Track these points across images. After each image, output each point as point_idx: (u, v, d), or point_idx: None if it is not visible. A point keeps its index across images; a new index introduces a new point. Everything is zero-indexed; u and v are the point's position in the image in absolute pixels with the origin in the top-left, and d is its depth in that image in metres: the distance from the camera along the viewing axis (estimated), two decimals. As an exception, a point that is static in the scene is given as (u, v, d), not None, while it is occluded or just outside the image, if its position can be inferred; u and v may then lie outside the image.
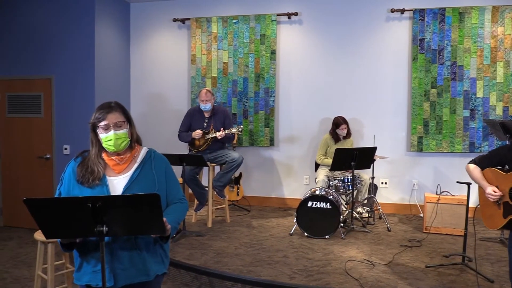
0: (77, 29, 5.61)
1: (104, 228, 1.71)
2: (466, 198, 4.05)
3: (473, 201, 5.66)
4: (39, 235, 3.21)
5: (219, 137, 5.22)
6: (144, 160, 2.09)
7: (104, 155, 2.05)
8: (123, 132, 2.03)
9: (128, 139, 2.06)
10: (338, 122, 5.63)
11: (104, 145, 2.02)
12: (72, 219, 1.73)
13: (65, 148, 5.56)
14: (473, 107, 5.72)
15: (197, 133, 5.31)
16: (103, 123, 1.99)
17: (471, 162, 3.26)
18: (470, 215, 4.28)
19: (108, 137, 1.99)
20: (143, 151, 2.13)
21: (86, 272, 1.96)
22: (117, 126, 2.01)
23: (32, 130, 5.65)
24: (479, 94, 5.69)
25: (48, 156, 5.60)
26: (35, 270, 3.40)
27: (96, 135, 2.04)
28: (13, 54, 5.73)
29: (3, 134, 5.74)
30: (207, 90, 5.38)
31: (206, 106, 5.34)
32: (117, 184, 2.00)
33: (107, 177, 2.01)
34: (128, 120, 2.08)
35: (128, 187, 1.99)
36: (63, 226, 1.75)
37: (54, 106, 5.60)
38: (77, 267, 2.00)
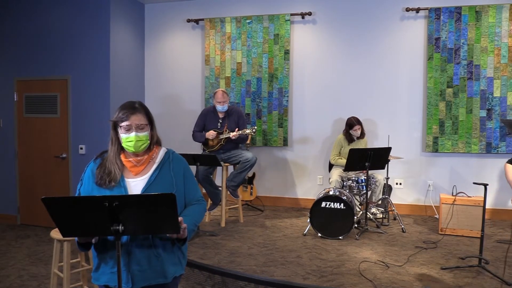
0: (92, 30, 5.68)
1: (120, 227, 1.72)
2: (482, 199, 3.98)
3: (490, 203, 5.59)
4: (55, 234, 3.24)
5: (233, 137, 5.23)
6: (162, 162, 2.08)
7: (122, 156, 2.05)
8: (144, 134, 2.02)
9: (148, 142, 2.06)
10: (352, 123, 5.59)
11: (124, 145, 2.02)
12: (89, 218, 1.74)
13: (81, 148, 5.63)
14: (490, 107, 5.63)
15: (211, 133, 5.33)
16: (125, 123, 1.99)
17: (510, 161, 2.89)
18: (487, 216, 4.22)
19: (129, 138, 1.99)
20: (161, 152, 2.12)
21: (104, 272, 1.97)
22: (139, 128, 2.00)
23: (48, 130, 5.73)
24: (496, 93, 5.60)
25: (64, 155, 5.67)
26: (51, 268, 3.45)
27: (116, 133, 2.04)
28: (30, 55, 5.81)
29: (21, 134, 5.83)
30: (223, 91, 5.40)
31: (223, 108, 5.36)
32: (135, 186, 2.00)
33: (125, 179, 2.01)
34: (150, 122, 2.08)
35: (145, 189, 1.99)
36: (80, 225, 1.77)
37: (70, 106, 5.67)
38: (95, 267, 2.01)
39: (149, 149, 2.09)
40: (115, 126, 2.03)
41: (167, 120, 6.77)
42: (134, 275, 1.92)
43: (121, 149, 2.06)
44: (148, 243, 1.93)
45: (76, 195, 2.04)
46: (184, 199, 2.09)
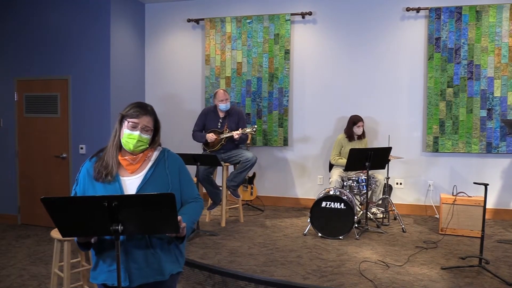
0: (93, 30, 5.68)
1: (120, 227, 1.73)
2: (483, 199, 3.98)
3: (490, 202, 5.59)
4: (55, 233, 3.25)
5: (236, 136, 5.22)
6: (157, 160, 2.09)
7: (118, 155, 2.06)
8: (146, 137, 2.04)
9: (147, 146, 2.07)
10: (356, 119, 5.60)
11: (123, 140, 2.03)
12: (88, 218, 1.74)
13: (81, 148, 5.63)
14: (490, 107, 5.63)
15: (211, 137, 5.30)
16: (134, 120, 2.01)
17: None
18: (487, 216, 4.21)
19: (132, 136, 2.00)
20: (156, 151, 2.13)
21: (102, 271, 1.98)
22: (144, 129, 2.03)
23: (49, 129, 5.73)
24: (497, 93, 5.59)
25: (64, 155, 5.67)
26: (51, 268, 3.45)
27: (121, 127, 2.05)
28: (30, 55, 5.81)
29: (21, 134, 5.84)
30: (223, 90, 5.41)
31: (227, 106, 5.35)
32: (130, 184, 2.01)
33: (121, 177, 2.02)
34: (155, 128, 2.09)
35: (141, 187, 2.00)
36: (79, 225, 1.77)
37: (71, 106, 5.67)
38: (93, 266, 2.02)
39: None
40: (122, 119, 2.05)
41: (167, 120, 6.75)
42: (132, 273, 1.93)
43: (119, 146, 2.07)
44: (145, 241, 1.95)
45: (72, 195, 2.04)
46: (180, 197, 2.09)
